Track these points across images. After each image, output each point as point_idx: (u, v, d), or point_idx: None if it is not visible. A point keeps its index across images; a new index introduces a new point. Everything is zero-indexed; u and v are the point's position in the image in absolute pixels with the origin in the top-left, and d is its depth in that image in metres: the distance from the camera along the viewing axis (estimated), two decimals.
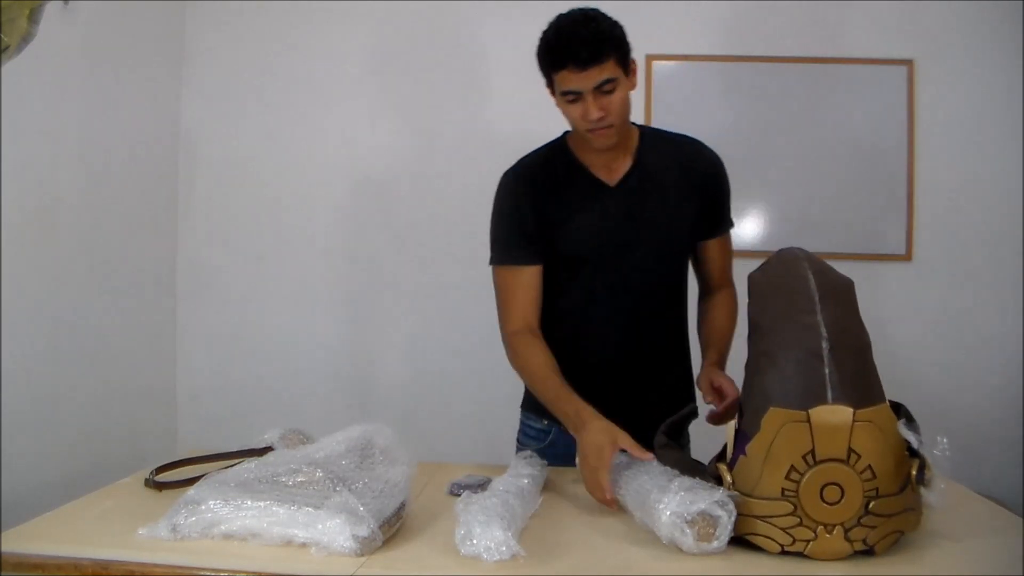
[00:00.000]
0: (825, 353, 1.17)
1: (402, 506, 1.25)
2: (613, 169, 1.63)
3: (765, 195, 2.61)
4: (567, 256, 1.63)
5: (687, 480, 1.21)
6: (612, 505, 1.32)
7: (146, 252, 2.56)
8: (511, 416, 1.84)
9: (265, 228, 2.73)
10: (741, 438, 1.19)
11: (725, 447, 1.23)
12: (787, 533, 1.15)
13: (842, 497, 1.13)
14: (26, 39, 1.64)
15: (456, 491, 1.44)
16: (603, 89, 1.48)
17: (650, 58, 2.58)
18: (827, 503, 1.13)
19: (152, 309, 2.60)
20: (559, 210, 1.61)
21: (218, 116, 2.72)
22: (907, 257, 2.63)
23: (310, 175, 2.72)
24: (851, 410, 1.13)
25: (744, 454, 1.16)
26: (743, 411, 1.23)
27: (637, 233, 1.62)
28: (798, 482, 1.13)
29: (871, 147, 2.63)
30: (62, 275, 2.13)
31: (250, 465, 1.29)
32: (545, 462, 1.52)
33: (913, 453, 1.19)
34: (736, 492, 1.17)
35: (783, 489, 1.14)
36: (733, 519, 1.14)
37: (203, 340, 2.73)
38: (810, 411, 1.13)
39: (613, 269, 1.63)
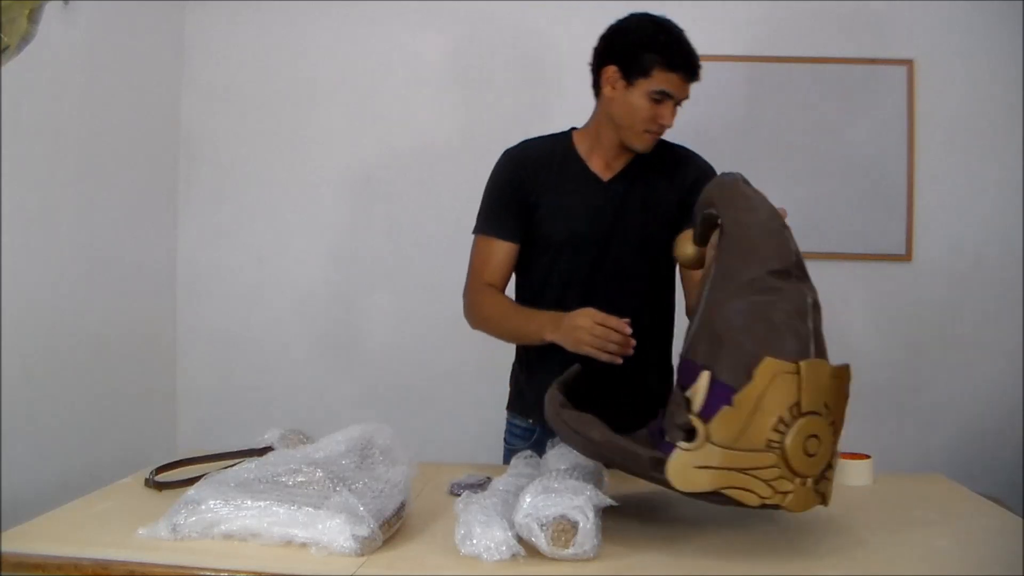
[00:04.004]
0: (809, 309, 1.19)
1: (402, 506, 1.26)
2: (609, 168, 1.71)
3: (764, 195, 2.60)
4: (548, 239, 1.71)
5: (564, 483, 1.20)
6: (626, 331, 1.45)
7: (146, 252, 2.56)
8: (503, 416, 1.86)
9: (265, 228, 2.73)
10: (720, 388, 1.15)
11: (677, 401, 1.18)
12: (769, 485, 1.13)
13: (819, 449, 1.14)
14: (26, 39, 1.63)
15: (456, 491, 1.44)
16: (681, 102, 1.65)
17: None
18: (808, 455, 1.13)
19: (152, 309, 2.60)
20: (547, 193, 1.70)
21: (218, 116, 2.72)
22: (907, 257, 2.63)
23: (310, 175, 2.72)
24: (829, 365, 1.16)
25: (729, 404, 1.12)
26: (716, 361, 1.18)
27: (619, 225, 1.68)
28: (784, 433, 1.12)
29: (871, 147, 2.63)
30: (62, 275, 2.13)
31: (250, 465, 1.29)
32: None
33: None
34: (715, 446, 1.13)
35: (769, 441, 1.12)
36: (593, 526, 1.13)
37: (203, 340, 2.73)
38: (801, 363, 1.13)
39: (592, 257, 1.68)
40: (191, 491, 1.23)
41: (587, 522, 1.12)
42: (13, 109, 1.86)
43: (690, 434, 1.14)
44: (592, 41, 2.71)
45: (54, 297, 2.09)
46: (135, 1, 2.42)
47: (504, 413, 1.88)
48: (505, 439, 1.84)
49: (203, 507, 1.19)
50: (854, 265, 2.61)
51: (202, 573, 1.10)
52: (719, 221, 1.28)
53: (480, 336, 2.67)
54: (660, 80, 1.60)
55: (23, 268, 1.95)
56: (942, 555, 1.20)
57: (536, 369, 1.77)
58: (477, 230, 1.77)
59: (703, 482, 1.13)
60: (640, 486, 1.49)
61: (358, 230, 2.73)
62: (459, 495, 1.30)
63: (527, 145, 1.77)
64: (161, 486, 1.44)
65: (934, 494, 1.55)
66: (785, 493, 1.13)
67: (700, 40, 2.61)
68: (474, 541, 1.13)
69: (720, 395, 1.14)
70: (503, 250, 1.73)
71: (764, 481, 1.12)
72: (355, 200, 2.72)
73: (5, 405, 1.87)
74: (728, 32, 2.63)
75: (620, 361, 1.47)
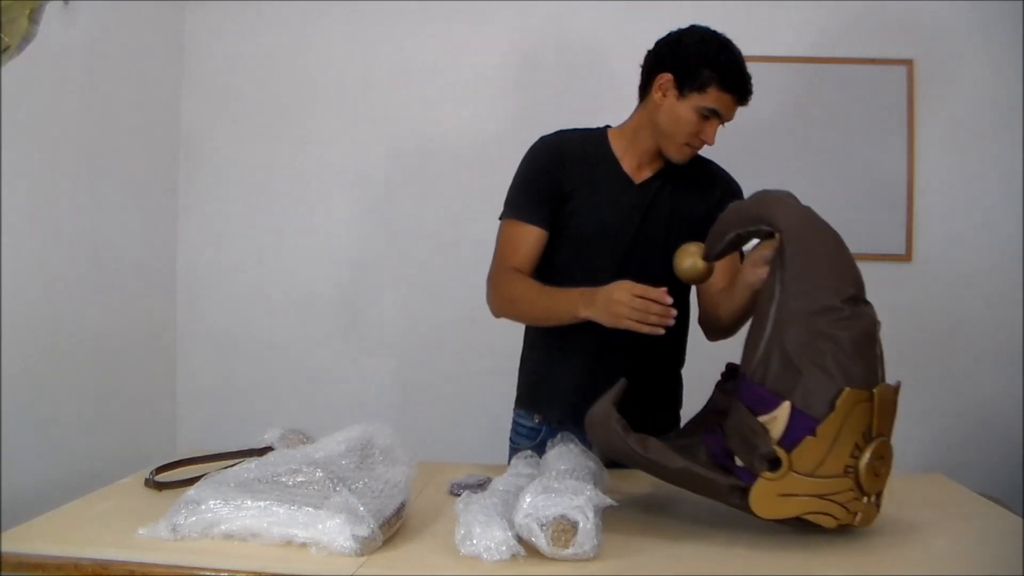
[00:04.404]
0: (876, 333, 1.23)
1: (402, 506, 1.26)
2: (642, 170, 1.72)
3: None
4: (575, 233, 1.69)
5: (564, 483, 1.20)
6: (667, 301, 1.40)
7: (146, 252, 2.56)
8: (506, 415, 1.85)
9: (265, 228, 2.73)
10: (800, 418, 1.15)
11: (753, 428, 1.17)
12: (844, 507, 1.17)
13: (883, 468, 1.19)
14: (26, 39, 1.63)
15: (456, 491, 1.44)
16: (725, 123, 1.66)
17: None
18: (875, 475, 1.18)
19: (152, 309, 2.60)
20: (580, 186, 1.69)
21: (218, 116, 2.72)
22: (907, 257, 2.63)
23: (310, 175, 2.72)
24: (891, 386, 1.21)
25: (813, 435, 1.14)
26: (794, 389, 1.18)
27: (645, 227, 1.69)
28: (858, 458, 1.16)
29: (871, 147, 2.63)
30: (62, 275, 2.13)
31: (250, 465, 1.29)
32: None
33: None
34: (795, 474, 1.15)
35: (846, 467, 1.16)
36: (593, 525, 1.13)
37: (203, 340, 2.73)
38: (874, 390, 1.17)
39: (617, 256, 1.67)
40: (191, 491, 1.23)
41: (587, 522, 1.12)
42: (13, 109, 1.86)
43: (774, 464, 1.15)
44: (594, 43, 2.71)
45: (54, 297, 2.09)
46: (135, 1, 2.42)
47: (508, 413, 1.87)
48: (511, 438, 1.84)
49: (203, 507, 1.19)
50: None
51: (202, 573, 1.10)
52: (778, 238, 1.27)
53: (484, 336, 2.67)
54: (713, 98, 1.60)
55: (23, 268, 1.95)
56: (942, 555, 1.20)
57: (556, 359, 1.75)
58: (506, 215, 1.73)
59: (786, 510, 1.16)
60: (640, 486, 1.49)
61: (358, 230, 2.73)
62: (459, 495, 1.30)
63: (564, 135, 1.75)
64: (161, 486, 1.44)
65: (934, 494, 1.55)
66: (855, 513, 1.18)
67: None
68: (474, 541, 1.13)
69: (802, 425, 1.15)
70: (533, 236, 1.69)
71: (840, 504, 1.17)
72: (355, 199, 2.72)
73: (5, 405, 1.87)
74: (727, 33, 2.63)
75: (662, 332, 1.43)
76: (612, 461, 1.48)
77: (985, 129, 2.61)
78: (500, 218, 1.74)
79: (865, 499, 1.18)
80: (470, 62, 2.68)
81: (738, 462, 1.20)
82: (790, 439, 1.15)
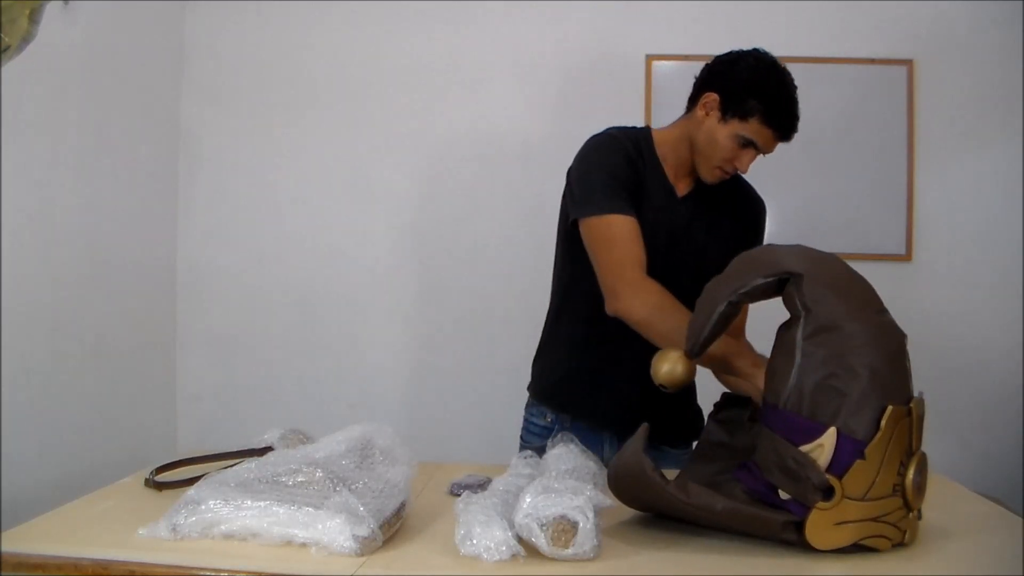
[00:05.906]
0: (904, 345, 1.21)
1: (402, 506, 1.25)
2: (680, 181, 1.70)
3: (765, 196, 2.61)
4: None
5: (564, 483, 1.19)
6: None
7: (146, 252, 2.56)
8: (514, 415, 1.85)
9: (265, 228, 2.73)
10: (847, 442, 1.14)
11: (799, 460, 1.15)
12: (895, 527, 1.17)
13: (924, 481, 1.19)
14: (26, 39, 1.63)
15: (456, 491, 1.44)
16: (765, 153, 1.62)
17: (650, 58, 2.58)
18: (918, 490, 1.18)
19: (152, 309, 2.60)
20: (635, 191, 1.63)
21: (218, 116, 2.72)
22: (907, 257, 2.63)
23: (310, 175, 2.73)
24: (922, 399, 1.20)
25: (862, 458, 1.13)
26: (838, 415, 1.15)
27: (684, 243, 1.67)
28: (903, 476, 1.16)
29: (871, 147, 2.63)
30: (62, 275, 2.13)
31: (250, 465, 1.29)
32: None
33: None
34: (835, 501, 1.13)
35: (894, 485, 1.16)
36: (593, 526, 1.12)
37: (203, 340, 2.73)
38: (911, 404, 1.17)
39: (655, 267, 1.62)
40: (191, 491, 1.23)
41: (587, 522, 1.12)
42: (13, 109, 1.86)
43: (827, 493, 1.14)
44: (587, 44, 2.70)
45: (54, 297, 2.09)
46: (135, 1, 2.42)
47: (512, 413, 1.87)
48: (522, 436, 1.83)
49: (203, 507, 1.19)
50: (854, 265, 2.60)
51: (202, 573, 1.10)
52: (794, 279, 1.23)
53: (486, 336, 2.67)
54: (754, 130, 1.55)
55: (23, 268, 1.95)
56: (942, 555, 1.20)
57: (573, 359, 1.72)
58: (596, 211, 1.56)
59: (842, 538, 1.15)
60: None
61: (358, 229, 2.73)
62: (459, 495, 1.30)
63: (623, 131, 1.69)
64: (161, 486, 1.44)
65: (934, 494, 1.54)
66: (905, 531, 1.18)
67: (699, 39, 2.64)
68: (474, 541, 1.13)
69: (849, 449, 1.14)
70: (635, 227, 1.56)
71: (891, 524, 1.16)
72: (355, 199, 2.73)
73: (5, 405, 1.87)
74: (727, 32, 2.62)
75: None
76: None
77: (985, 129, 2.62)
78: (584, 216, 1.59)
79: (911, 515, 1.18)
80: (471, 62, 2.68)
81: (783, 495, 1.18)
82: (838, 465, 1.13)
